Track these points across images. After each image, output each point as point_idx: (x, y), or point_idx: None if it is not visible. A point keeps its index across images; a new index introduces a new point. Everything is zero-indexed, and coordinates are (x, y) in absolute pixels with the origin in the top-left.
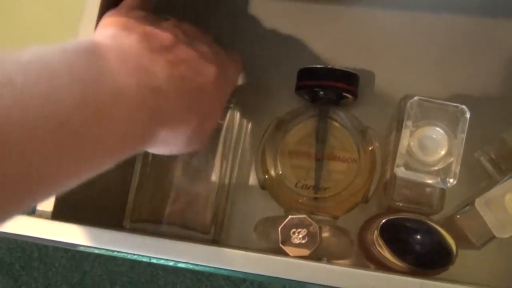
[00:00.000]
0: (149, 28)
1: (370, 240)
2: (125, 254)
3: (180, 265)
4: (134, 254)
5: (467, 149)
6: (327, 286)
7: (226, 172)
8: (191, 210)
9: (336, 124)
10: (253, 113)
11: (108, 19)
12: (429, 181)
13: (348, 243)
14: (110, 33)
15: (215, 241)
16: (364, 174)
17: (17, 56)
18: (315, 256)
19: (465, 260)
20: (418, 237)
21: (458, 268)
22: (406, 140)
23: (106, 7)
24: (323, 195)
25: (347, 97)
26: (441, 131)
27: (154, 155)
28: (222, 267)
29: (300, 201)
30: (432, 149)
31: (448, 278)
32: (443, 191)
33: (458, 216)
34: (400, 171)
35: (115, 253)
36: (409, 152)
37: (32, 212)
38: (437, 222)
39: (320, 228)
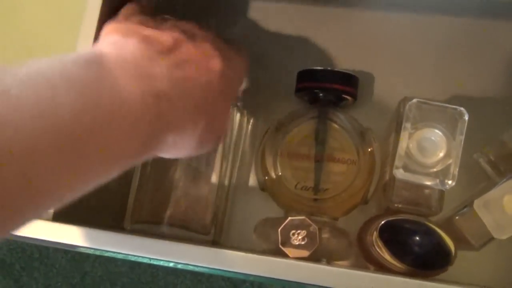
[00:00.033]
0: (148, 32)
1: (369, 241)
2: (125, 255)
3: (179, 266)
4: (135, 256)
5: (466, 151)
6: (327, 287)
7: (226, 173)
8: (191, 211)
9: (336, 125)
10: (253, 115)
11: (108, 28)
12: (428, 183)
13: (348, 244)
14: (110, 41)
15: (215, 242)
16: (364, 175)
17: (14, 70)
18: (315, 257)
19: (464, 261)
20: (417, 238)
21: (457, 269)
22: (405, 142)
23: (105, 13)
24: (323, 196)
25: (346, 99)
26: (440, 133)
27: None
28: (222, 269)
29: (299, 202)
30: (430, 151)
31: (447, 279)
32: (441, 193)
33: (457, 218)
34: (399, 173)
35: (115, 254)
36: (408, 154)
37: None
38: (436, 223)
39: (319, 229)
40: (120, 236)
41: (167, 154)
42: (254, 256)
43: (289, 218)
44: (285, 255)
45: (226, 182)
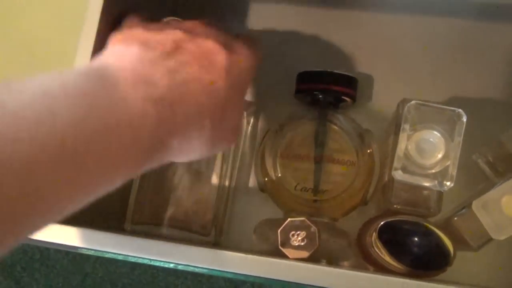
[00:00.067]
0: (148, 37)
1: (368, 242)
2: (126, 257)
3: (180, 267)
4: (135, 257)
5: (465, 152)
6: None
7: (226, 174)
8: (191, 213)
9: (335, 127)
10: (252, 116)
11: (112, 39)
12: (426, 184)
13: (347, 245)
14: (112, 52)
15: (216, 243)
16: (363, 176)
17: (12, 84)
18: (314, 258)
19: (462, 261)
20: (416, 239)
21: (456, 270)
22: (404, 144)
23: (106, 15)
24: (322, 197)
25: (346, 100)
26: (438, 134)
27: None
28: (222, 270)
29: (299, 203)
30: (429, 153)
31: (446, 279)
32: (440, 194)
33: (455, 218)
34: (398, 174)
35: (116, 255)
36: (407, 155)
37: None
38: (434, 224)
39: (319, 230)
40: (121, 238)
41: (177, 158)
42: (254, 257)
43: (289, 219)
44: (284, 256)
45: (226, 183)
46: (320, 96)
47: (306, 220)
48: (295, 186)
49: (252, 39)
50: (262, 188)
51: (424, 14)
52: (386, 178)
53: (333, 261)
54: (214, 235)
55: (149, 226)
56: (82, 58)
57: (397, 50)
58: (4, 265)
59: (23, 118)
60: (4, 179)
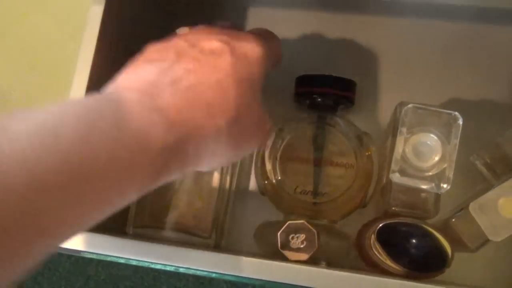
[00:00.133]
0: (153, 56)
1: (367, 244)
2: (127, 260)
3: (181, 270)
4: (136, 260)
5: (463, 153)
6: None
7: (227, 177)
8: (192, 216)
9: (334, 130)
10: None
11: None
12: (424, 187)
13: (346, 247)
14: (122, 77)
15: (217, 246)
16: (361, 179)
17: (19, 114)
18: (314, 260)
19: (460, 263)
20: (414, 241)
21: (454, 271)
22: (401, 147)
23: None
24: (322, 200)
25: (344, 103)
26: (435, 137)
27: None
28: (223, 272)
29: (299, 206)
30: (426, 155)
31: (444, 280)
32: (437, 196)
33: (453, 220)
34: (395, 177)
35: (117, 259)
36: (404, 158)
37: None
38: (432, 226)
39: (318, 232)
40: (122, 241)
41: (200, 166)
42: (255, 260)
43: (289, 221)
44: (284, 258)
45: (227, 186)
46: (319, 100)
47: (306, 222)
48: (295, 189)
49: (263, 31)
50: (262, 191)
51: (423, 18)
52: (384, 181)
53: (332, 263)
54: (215, 238)
55: (150, 229)
56: (83, 63)
57: (395, 54)
58: None
59: (27, 142)
60: (6, 203)
